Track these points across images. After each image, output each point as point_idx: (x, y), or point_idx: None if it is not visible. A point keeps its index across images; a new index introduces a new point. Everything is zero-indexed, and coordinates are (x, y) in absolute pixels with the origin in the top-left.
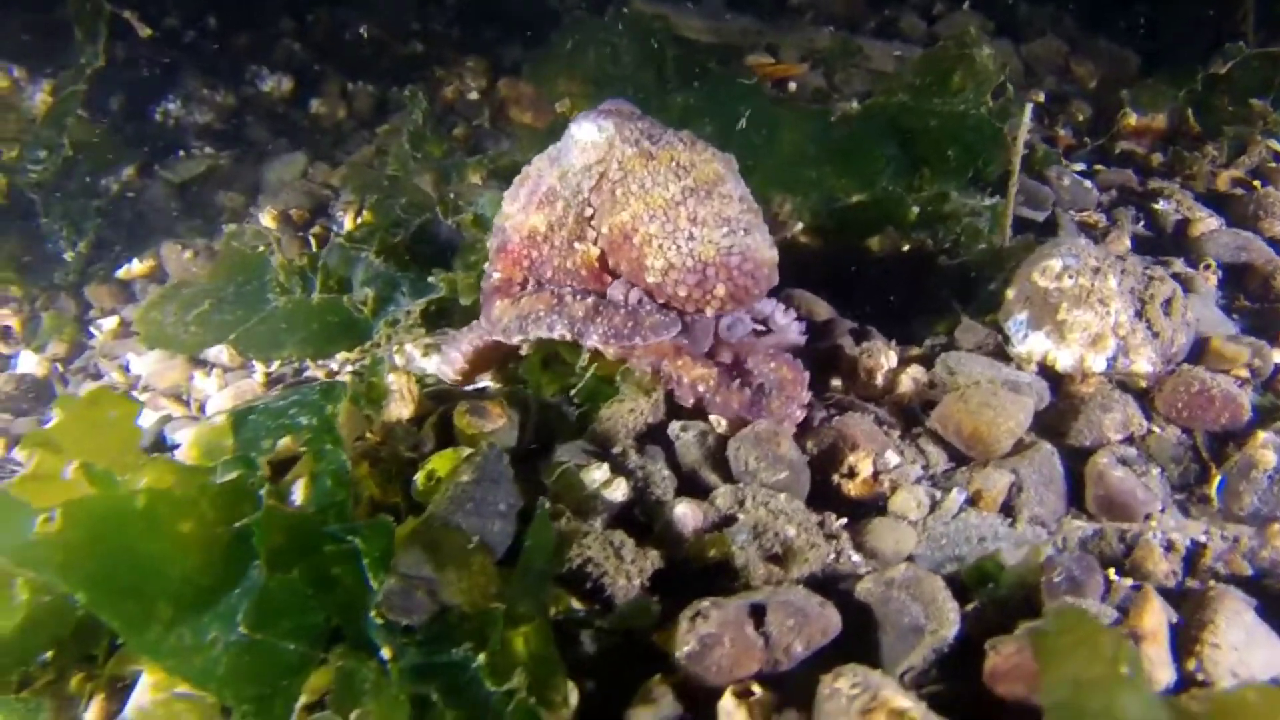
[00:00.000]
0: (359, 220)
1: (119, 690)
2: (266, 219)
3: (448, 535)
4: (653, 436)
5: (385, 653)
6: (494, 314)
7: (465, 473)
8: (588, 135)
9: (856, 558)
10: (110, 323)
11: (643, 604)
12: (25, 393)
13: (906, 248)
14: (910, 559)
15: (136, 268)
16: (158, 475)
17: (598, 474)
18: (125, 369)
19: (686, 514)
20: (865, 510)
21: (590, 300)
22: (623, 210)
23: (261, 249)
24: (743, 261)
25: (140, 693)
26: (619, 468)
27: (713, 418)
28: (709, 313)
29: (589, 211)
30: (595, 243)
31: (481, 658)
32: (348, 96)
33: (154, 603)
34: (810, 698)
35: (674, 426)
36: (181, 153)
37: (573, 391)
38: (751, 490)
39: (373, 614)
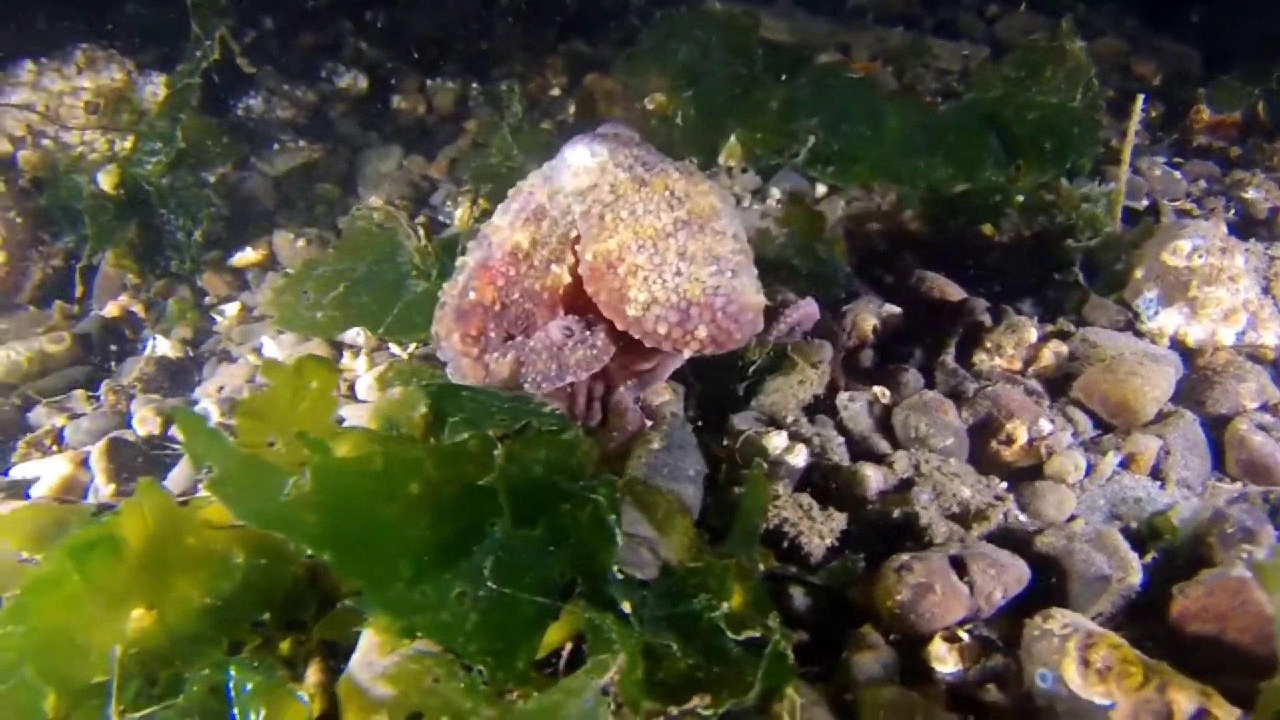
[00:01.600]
0: (475, 209)
1: (330, 654)
2: (378, 203)
3: (654, 496)
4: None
5: (626, 606)
6: (463, 370)
7: (655, 440)
8: (580, 160)
9: (1023, 517)
10: (232, 308)
11: (849, 561)
12: (163, 374)
13: (1027, 233)
14: (1071, 518)
15: (249, 256)
16: (356, 443)
17: (778, 441)
18: (259, 351)
19: (873, 476)
20: (1020, 475)
21: (510, 357)
22: (610, 237)
23: (389, 230)
24: (728, 304)
25: (365, 653)
26: (796, 435)
27: (877, 388)
28: (686, 353)
29: (574, 233)
30: (571, 271)
31: (725, 607)
32: (426, 93)
33: (396, 562)
34: (1008, 642)
35: (842, 397)
36: (276, 145)
37: (750, 367)
38: (923, 455)
39: (615, 569)
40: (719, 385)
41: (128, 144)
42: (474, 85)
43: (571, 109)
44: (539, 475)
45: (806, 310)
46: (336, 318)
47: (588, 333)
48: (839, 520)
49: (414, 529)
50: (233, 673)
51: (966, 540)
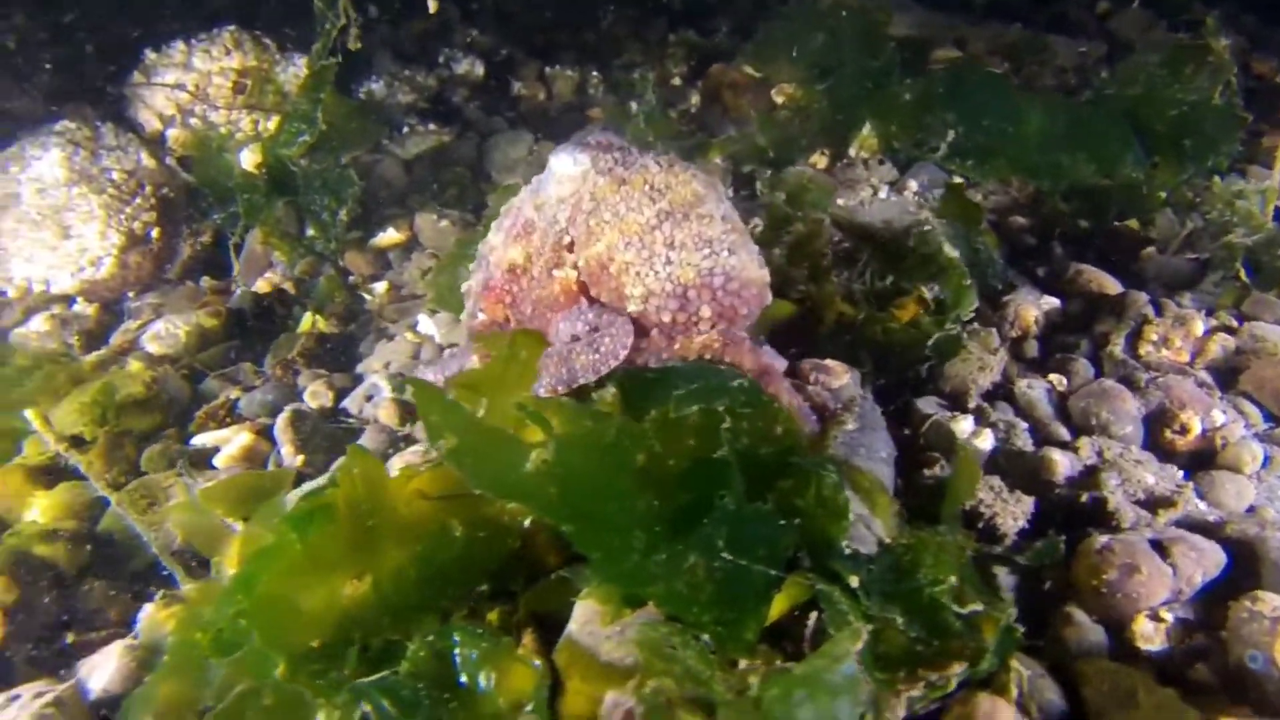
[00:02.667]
0: None
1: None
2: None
3: (858, 475)
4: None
5: (853, 580)
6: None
7: (849, 420)
8: (564, 167)
9: (1203, 506)
10: (380, 286)
11: (1053, 541)
12: (322, 349)
13: (1179, 230)
14: (1251, 508)
15: (391, 236)
16: (565, 418)
17: (966, 425)
18: (414, 328)
19: (1062, 460)
20: (1195, 465)
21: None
22: (597, 241)
23: None
24: (726, 282)
25: (585, 623)
26: (982, 420)
27: (1053, 376)
28: (700, 336)
29: (566, 239)
30: (575, 268)
31: (951, 581)
32: (545, 80)
33: (630, 533)
34: (1208, 625)
35: (1021, 383)
36: (405, 129)
37: (928, 348)
38: (1104, 442)
39: (844, 543)
40: (895, 371)
41: (271, 124)
42: (593, 73)
43: (694, 98)
44: (764, 450)
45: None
46: None
47: (594, 334)
48: (1028, 503)
49: (643, 502)
50: (459, 638)
51: (1155, 526)
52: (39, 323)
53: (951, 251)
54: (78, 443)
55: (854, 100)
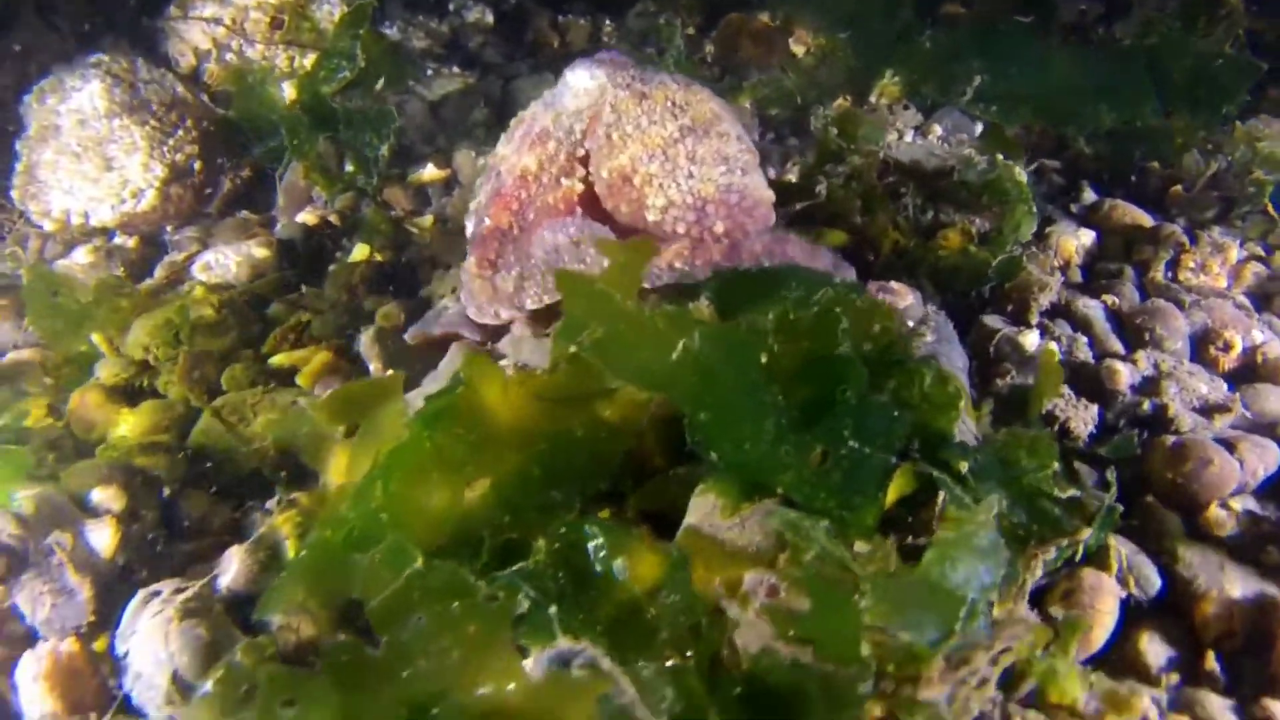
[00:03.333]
0: None
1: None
2: None
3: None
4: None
5: (963, 466)
6: (472, 291)
7: (928, 333)
8: (581, 81)
9: (1250, 415)
10: (426, 220)
11: (1128, 437)
12: (380, 277)
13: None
14: None
15: (431, 172)
16: (671, 321)
17: (1032, 337)
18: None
19: (1124, 370)
20: (1237, 379)
21: (514, 273)
22: (620, 153)
23: None
24: (741, 199)
25: (704, 516)
26: (1046, 334)
27: (1107, 296)
28: (709, 251)
29: (580, 151)
30: (583, 180)
31: (1054, 467)
32: (559, 28)
33: (761, 423)
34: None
35: (1078, 301)
36: (430, 71)
37: (990, 269)
38: (1159, 355)
39: (955, 433)
40: (955, 293)
41: (308, 60)
42: (607, 22)
43: (709, 48)
44: (868, 348)
45: None
46: None
47: (578, 247)
48: (1094, 410)
49: (769, 396)
50: (592, 530)
51: (1213, 429)
52: (81, 255)
53: (1021, 176)
54: (148, 366)
55: (877, 49)
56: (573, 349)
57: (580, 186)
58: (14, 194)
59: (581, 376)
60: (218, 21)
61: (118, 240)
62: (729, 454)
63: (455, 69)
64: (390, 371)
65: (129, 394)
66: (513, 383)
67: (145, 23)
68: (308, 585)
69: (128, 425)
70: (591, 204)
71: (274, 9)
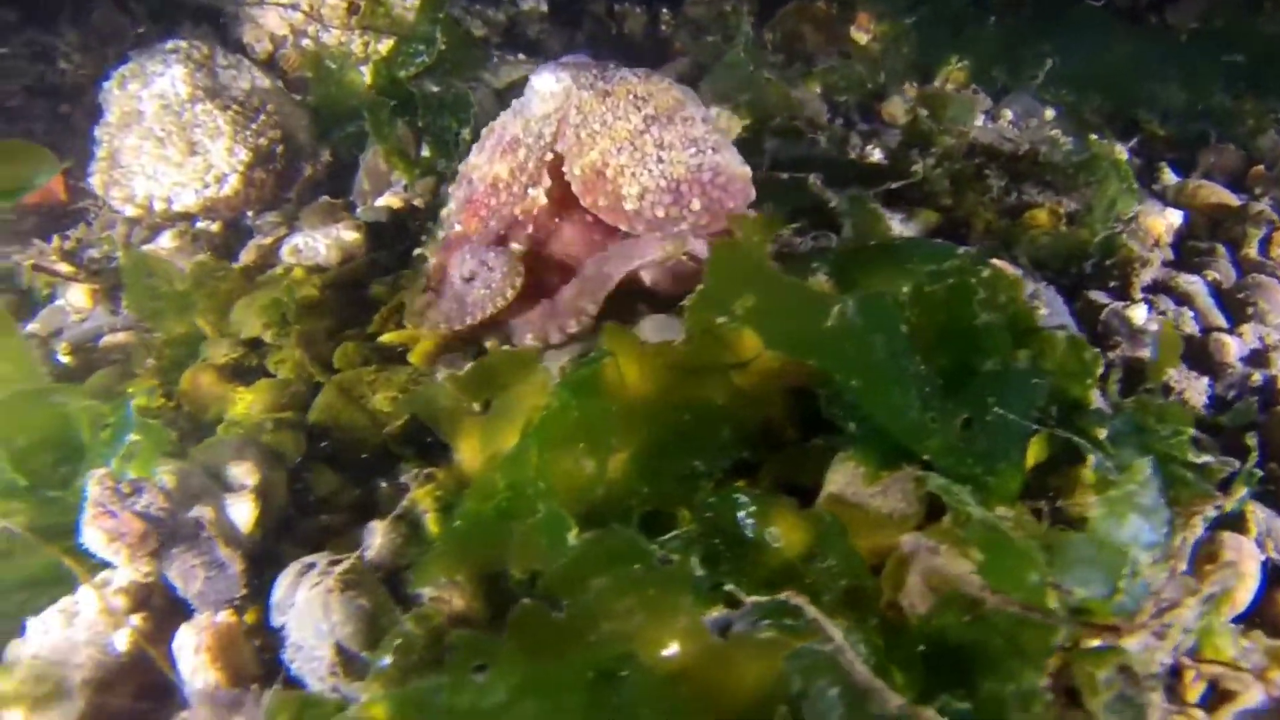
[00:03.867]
0: (738, 121)
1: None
2: None
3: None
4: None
5: (1101, 432)
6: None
7: (1041, 306)
8: (546, 85)
9: None
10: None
11: (1248, 404)
12: None
13: None
14: None
15: None
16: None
17: (1140, 311)
18: None
19: (1233, 342)
20: None
21: (424, 298)
22: (590, 150)
23: None
24: (715, 176)
25: (846, 484)
26: (1153, 308)
27: (1209, 272)
28: (684, 227)
29: (549, 156)
30: (548, 192)
31: (1190, 432)
32: (615, 16)
33: (909, 391)
34: None
35: (1181, 277)
36: (495, 59)
37: (1093, 246)
38: (1263, 329)
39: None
40: (1054, 270)
41: (384, 46)
42: (664, 10)
43: (768, 35)
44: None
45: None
46: None
47: (489, 271)
48: (1204, 381)
49: (913, 364)
50: (742, 499)
51: None
52: (167, 239)
53: (1121, 154)
54: (256, 345)
55: (941, 34)
56: (719, 319)
57: (543, 200)
58: (94, 180)
59: (715, 347)
60: (294, 7)
61: (201, 224)
62: (880, 421)
63: (521, 56)
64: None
65: (238, 373)
66: (650, 353)
67: (216, 9)
68: (460, 556)
69: (245, 403)
70: (559, 209)
71: None
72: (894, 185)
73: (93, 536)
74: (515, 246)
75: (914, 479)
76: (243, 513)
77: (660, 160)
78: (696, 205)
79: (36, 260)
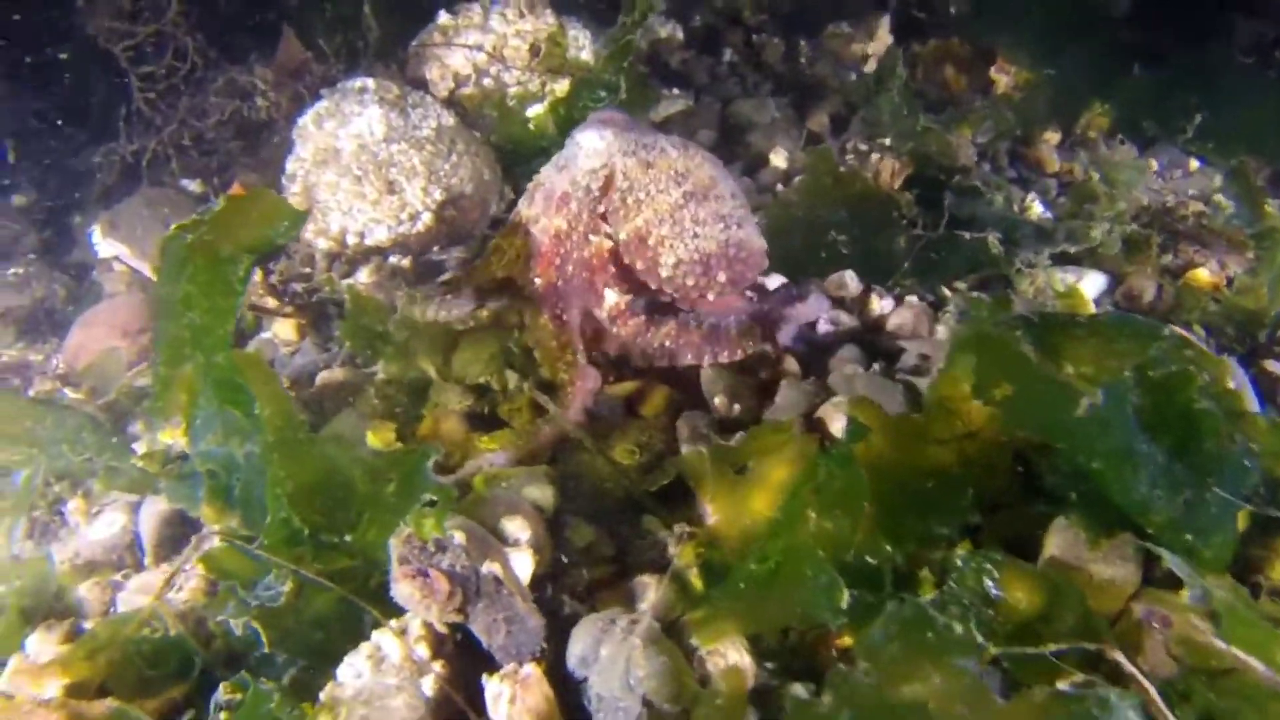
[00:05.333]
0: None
1: None
2: (777, 159)
3: None
4: None
5: None
6: None
7: (1229, 380)
8: (591, 143)
9: None
10: None
11: None
12: None
13: None
14: None
15: None
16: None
17: None
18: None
19: None
20: None
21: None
22: (636, 216)
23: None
24: (739, 251)
25: (1068, 547)
26: None
27: None
28: (711, 297)
29: (600, 209)
30: (607, 236)
31: None
32: (752, 46)
33: (1140, 469)
34: None
35: None
36: None
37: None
38: None
39: None
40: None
41: (559, 86)
42: (802, 41)
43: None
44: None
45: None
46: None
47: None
48: None
49: (1144, 444)
50: (983, 560)
51: None
52: (364, 274)
53: None
54: (484, 391)
55: (1083, 81)
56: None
57: (609, 244)
58: None
59: (951, 419)
60: (479, 48)
61: (393, 260)
62: (1112, 496)
63: (676, 90)
64: (736, 406)
65: (474, 419)
66: (896, 424)
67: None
68: (738, 614)
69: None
70: (619, 256)
71: (533, 36)
72: (1073, 250)
73: (406, 593)
74: None
75: (1134, 546)
76: (523, 566)
77: (695, 235)
78: (722, 278)
79: (252, 300)
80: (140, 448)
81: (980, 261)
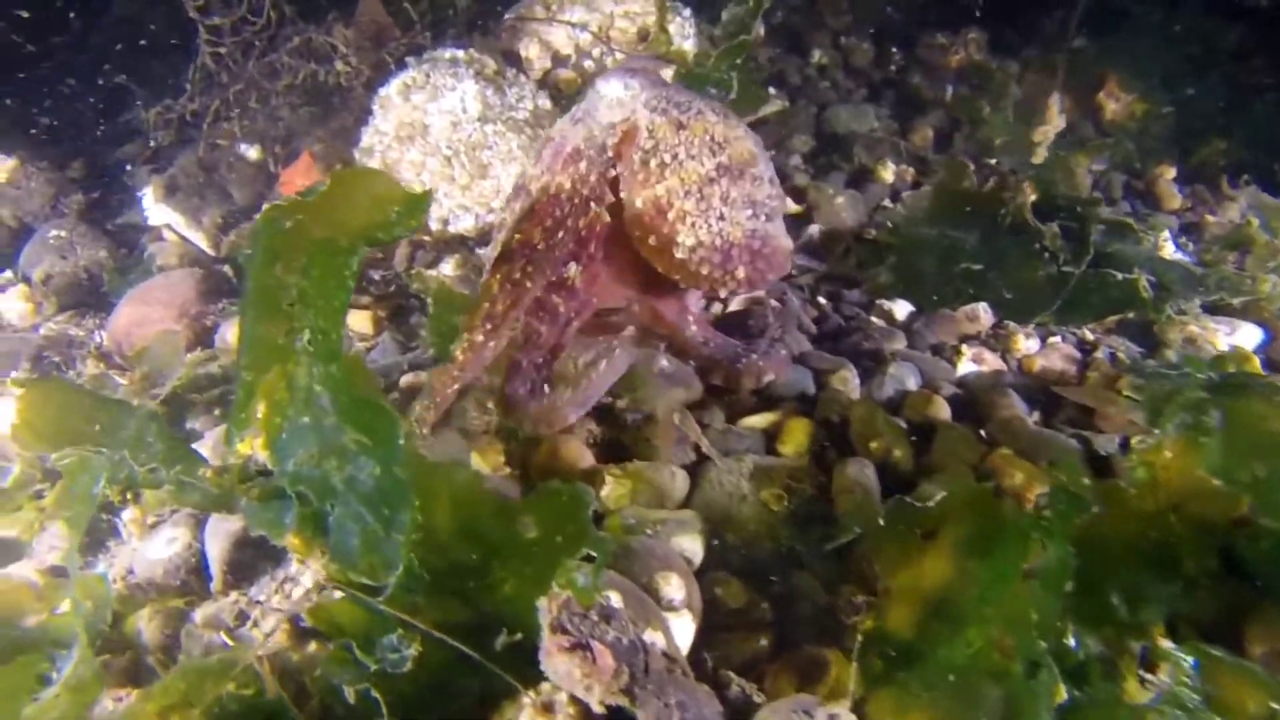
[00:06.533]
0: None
1: None
2: (884, 172)
3: None
4: None
5: None
6: None
7: None
8: (614, 92)
9: None
10: None
11: None
12: None
13: None
14: None
15: (790, 206)
16: None
17: None
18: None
19: None
20: None
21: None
22: (658, 184)
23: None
24: (763, 247)
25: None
26: None
27: None
28: (723, 293)
29: (611, 173)
30: (611, 209)
31: None
32: (841, 49)
33: None
34: None
35: None
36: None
37: None
38: None
39: None
40: None
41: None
42: (894, 49)
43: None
44: None
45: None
46: (964, 290)
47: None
48: None
49: None
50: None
51: None
52: (450, 267)
53: None
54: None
55: (1202, 118)
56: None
57: (606, 218)
58: None
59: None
60: (584, 27)
61: (481, 252)
62: None
63: (773, 90)
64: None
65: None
66: (1104, 493)
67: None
68: (935, 704)
69: (624, 490)
70: (612, 237)
71: (641, 18)
72: (1236, 302)
73: (563, 669)
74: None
75: None
76: (685, 634)
77: (721, 218)
78: (741, 274)
79: None
80: (206, 452)
81: (1120, 303)
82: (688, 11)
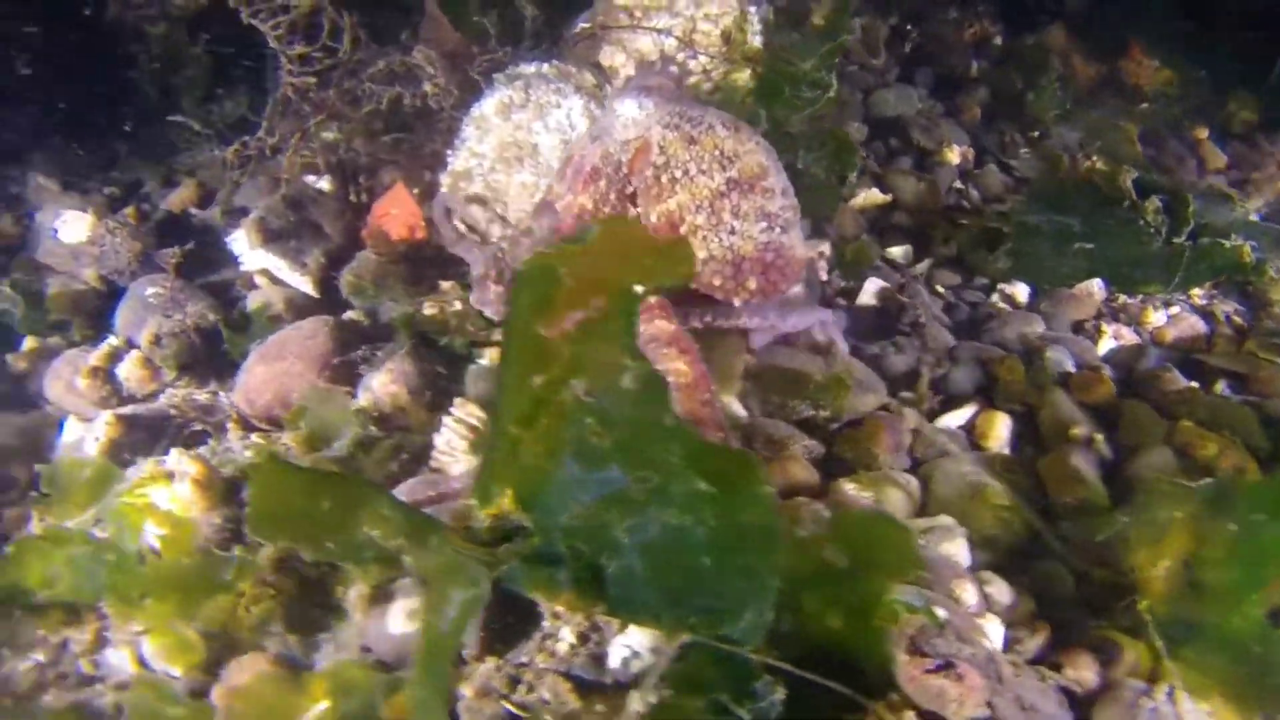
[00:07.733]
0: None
1: None
2: (951, 155)
3: None
4: None
5: None
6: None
7: None
8: (630, 112)
9: None
10: (897, 251)
11: None
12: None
13: None
14: None
15: (873, 196)
16: None
17: None
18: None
19: None
20: None
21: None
22: (669, 198)
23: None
24: (776, 259)
25: None
26: None
27: None
28: (736, 303)
29: (629, 189)
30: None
31: None
32: (900, 34)
33: None
34: None
35: None
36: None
37: None
38: None
39: None
40: None
41: (740, 78)
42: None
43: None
44: None
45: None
46: (1080, 266)
47: None
48: None
49: None
50: None
51: None
52: None
53: None
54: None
55: (1231, 78)
56: None
57: None
58: (459, 223)
59: None
60: (668, 33)
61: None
62: None
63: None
64: None
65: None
66: None
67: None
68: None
69: None
70: None
71: (720, 20)
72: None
73: (933, 690)
74: None
75: None
76: (996, 636)
77: (732, 231)
78: (752, 284)
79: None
80: None
81: (1224, 268)
82: (753, 9)
